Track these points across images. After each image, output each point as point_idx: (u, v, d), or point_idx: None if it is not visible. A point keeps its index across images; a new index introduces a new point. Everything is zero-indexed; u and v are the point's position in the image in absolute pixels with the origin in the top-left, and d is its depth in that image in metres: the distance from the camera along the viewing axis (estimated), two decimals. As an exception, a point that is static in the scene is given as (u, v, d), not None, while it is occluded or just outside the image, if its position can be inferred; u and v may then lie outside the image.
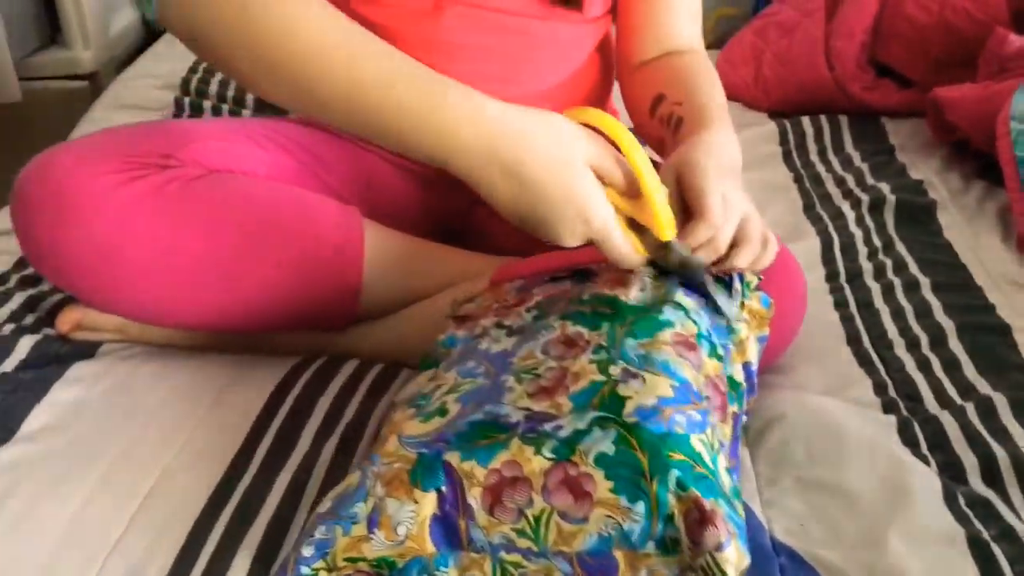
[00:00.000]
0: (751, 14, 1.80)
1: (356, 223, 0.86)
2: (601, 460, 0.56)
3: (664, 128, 0.87)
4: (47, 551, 0.66)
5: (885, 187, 1.19)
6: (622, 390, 0.60)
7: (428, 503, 0.57)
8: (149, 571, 0.64)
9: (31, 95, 1.60)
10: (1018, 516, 0.68)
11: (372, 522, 0.57)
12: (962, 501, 0.69)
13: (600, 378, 0.61)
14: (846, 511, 0.69)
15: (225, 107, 1.45)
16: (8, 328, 0.90)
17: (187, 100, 1.46)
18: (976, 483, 0.73)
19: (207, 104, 1.46)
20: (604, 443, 0.56)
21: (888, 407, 0.82)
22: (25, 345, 0.87)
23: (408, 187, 0.99)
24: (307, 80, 0.70)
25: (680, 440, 0.56)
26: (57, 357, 0.87)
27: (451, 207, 1.00)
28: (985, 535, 0.66)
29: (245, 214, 0.82)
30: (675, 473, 0.54)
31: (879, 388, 0.85)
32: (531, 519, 0.56)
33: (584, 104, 0.85)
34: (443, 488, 0.57)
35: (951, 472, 0.74)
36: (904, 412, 0.81)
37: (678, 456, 0.55)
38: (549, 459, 0.56)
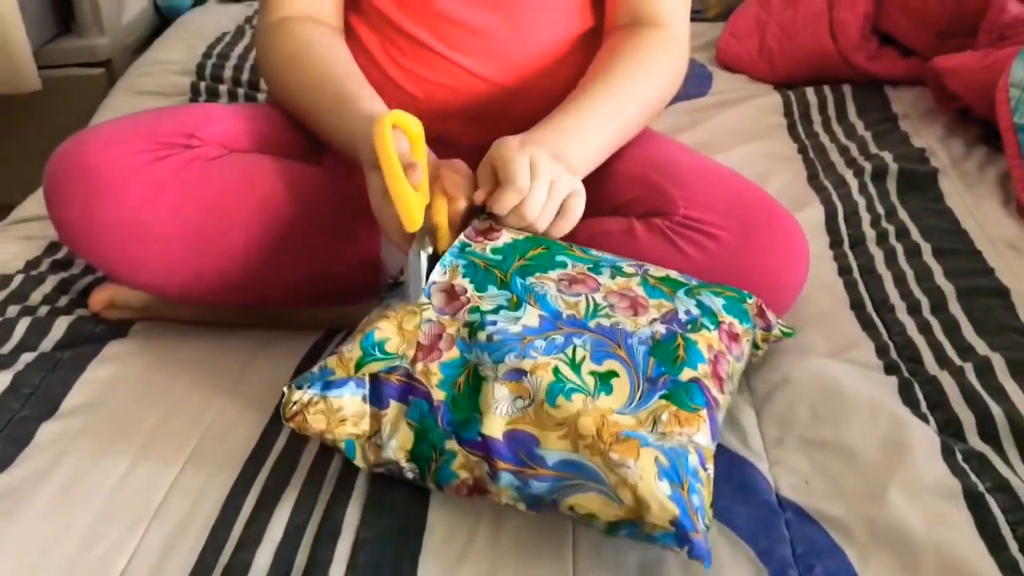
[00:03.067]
0: (755, -14, 1.81)
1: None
2: (727, 309, 0.76)
3: None
4: (92, 519, 0.70)
5: (888, 155, 1.21)
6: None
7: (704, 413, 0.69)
8: (189, 535, 0.68)
9: (48, 83, 1.62)
10: (1012, 470, 0.72)
11: (703, 461, 0.66)
12: (959, 456, 0.72)
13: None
14: (848, 468, 0.72)
15: (241, 91, 1.48)
16: (44, 310, 0.94)
17: (203, 85, 1.49)
18: (974, 440, 0.76)
19: (223, 88, 1.48)
20: (716, 300, 0.76)
21: (889, 368, 0.85)
22: (61, 326, 0.91)
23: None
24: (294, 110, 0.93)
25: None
26: (92, 336, 0.90)
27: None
28: (980, 487, 0.69)
29: (267, 191, 0.85)
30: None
31: (881, 351, 0.88)
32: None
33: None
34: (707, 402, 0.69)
35: (950, 430, 0.77)
36: (905, 373, 0.84)
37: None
38: (715, 329, 0.73)
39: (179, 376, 0.85)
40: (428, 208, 0.76)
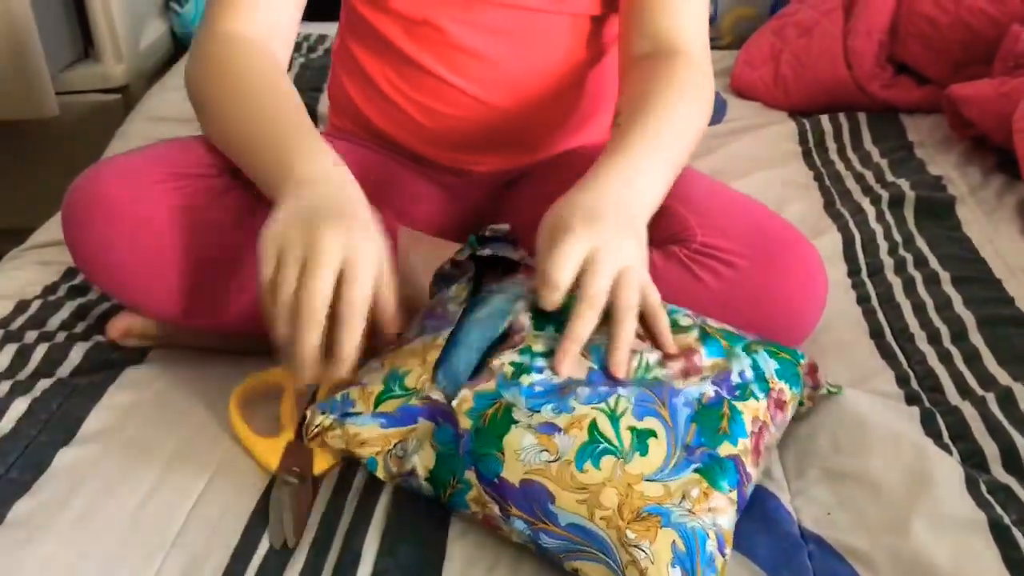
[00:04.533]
0: (768, 14, 1.82)
1: (391, 228, 0.89)
2: (779, 374, 0.73)
3: None
4: (110, 548, 0.69)
5: (904, 183, 1.21)
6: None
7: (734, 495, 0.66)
8: (207, 565, 0.68)
9: (66, 109, 1.64)
10: (1039, 502, 0.71)
11: (721, 546, 0.63)
12: (984, 488, 0.71)
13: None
14: (871, 499, 0.72)
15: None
16: (61, 336, 0.94)
17: (219, 111, 1.50)
18: (998, 471, 0.75)
19: (238, 115, 1.49)
20: (771, 361, 0.74)
21: (910, 398, 0.84)
22: (78, 352, 0.91)
23: (431, 192, 1.02)
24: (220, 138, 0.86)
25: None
26: (109, 362, 0.90)
27: (473, 209, 1.03)
28: (1006, 520, 0.68)
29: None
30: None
31: (901, 380, 0.87)
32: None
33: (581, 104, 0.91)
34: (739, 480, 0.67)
35: (973, 461, 0.76)
36: (926, 403, 0.83)
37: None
38: (764, 398, 0.71)
39: (197, 403, 0.85)
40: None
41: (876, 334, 0.94)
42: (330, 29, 1.87)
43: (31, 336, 0.93)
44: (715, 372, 0.70)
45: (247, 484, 0.75)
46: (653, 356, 0.71)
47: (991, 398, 0.82)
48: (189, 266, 0.83)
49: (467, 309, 0.75)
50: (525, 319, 0.72)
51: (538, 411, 0.66)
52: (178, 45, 1.96)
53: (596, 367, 0.69)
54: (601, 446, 0.64)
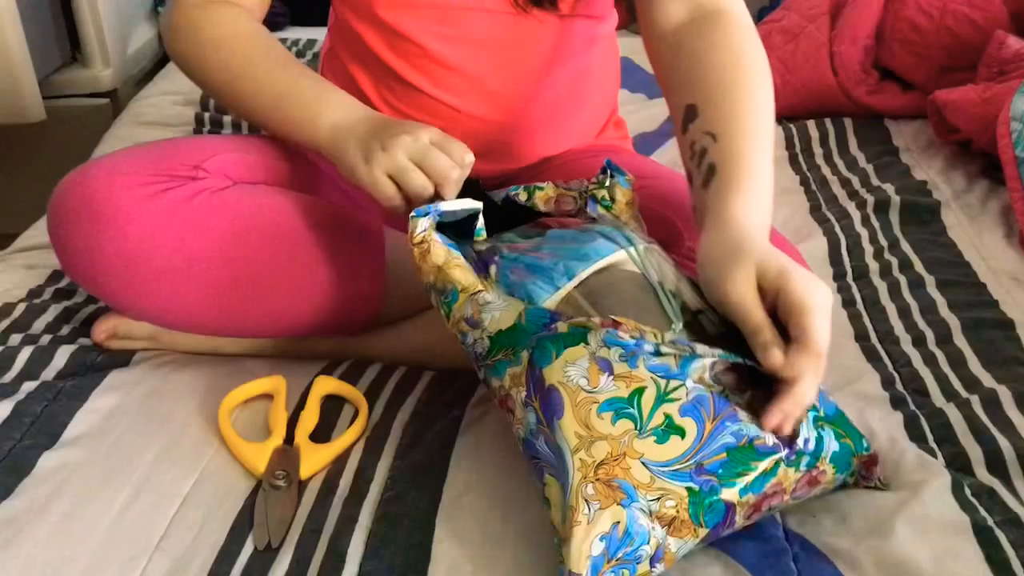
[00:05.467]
0: (756, 20, 1.82)
1: (378, 230, 0.89)
2: (833, 457, 0.69)
3: (695, 168, 0.77)
4: (92, 552, 0.69)
5: (890, 188, 1.22)
6: None
7: (703, 532, 0.64)
8: (190, 570, 0.67)
9: (53, 113, 1.63)
10: (1022, 503, 0.71)
11: (655, 559, 0.63)
12: (968, 491, 0.72)
13: None
14: (856, 502, 0.72)
15: (244, 122, 1.48)
16: (46, 339, 0.93)
17: (207, 115, 1.50)
18: (982, 473, 0.75)
19: (227, 119, 1.49)
20: (833, 443, 0.68)
21: (896, 401, 0.85)
22: (63, 355, 0.90)
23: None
24: (232, 97, 0.90)
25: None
26: (94, 366, 0.90)
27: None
28: (990, 521, 0.68)
29: (271, 223, 0.85)
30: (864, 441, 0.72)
31: (886, 382, 0.87)
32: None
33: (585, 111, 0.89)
34: (720, 523, 0.65)
35: (957, 463, 0.76)
36: (911, 406, 0.84)
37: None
38: (803, 471, 0.67)
39: (182, 406, 0.84)
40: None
41: (861, 337, 0.95)
42: (319, 34, 1.87)
43: (15, 339, 0.93)
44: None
45: (232, 488, 0.75)
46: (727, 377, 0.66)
47: (976, 400, 0.82)
48: (176, 269, 0.82)
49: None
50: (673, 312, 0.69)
51: (609, 348, 0.65)
52: (166, 50, 1.96)
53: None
54: (630, 410, 0.63)
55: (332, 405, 0.85)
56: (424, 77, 0.94)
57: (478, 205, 0.77)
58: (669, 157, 1.35)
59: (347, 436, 0.80)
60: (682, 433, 0.63)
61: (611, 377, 0.64)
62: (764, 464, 0.65)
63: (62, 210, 0.82)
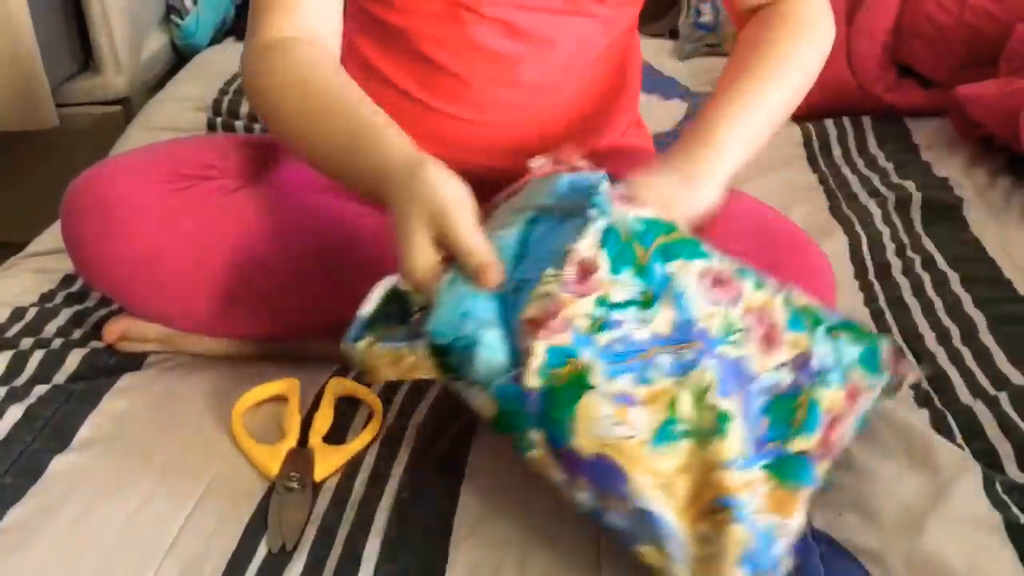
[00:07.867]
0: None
1: (387, 233, 0.88)
2: (860, 359, 0.67)
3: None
4: (102, 556, 0.68)
5: (911, 185, 1.20)
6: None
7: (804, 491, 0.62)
8: (203, 574, 0.66)
9: (66, 120, 1.63)
10: (1055, 501, 0.69)
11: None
12: (999, 488, 0.70)
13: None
14: (884, 500, 0.70)
15: (256, 126, 1.48)
16: (57, 342, 0.93)
17: (219, 120, 1.50)
18: (1012, 470, 0.73)
19: (239, 124, 1.49)
20: (852, 348, 0.67)
21: (922, 398, 0.83)
22: (75, 358, 0.90)
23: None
24: (300, 150, 0.79)
25: None
26: (106, 369, 0.89)
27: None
28: (1022, 519, 0.66)
29: (284, 224, 0.84)
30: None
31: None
32: None
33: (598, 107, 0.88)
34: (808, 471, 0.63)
35: (987, 460, 0.74)
36: (938, 404, 0.82)
37: None
38: (841, 387, 0.65)
39: (193, 409, 0.83)
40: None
41: (885, 335, 0.93)
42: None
43: (27, 343, 0.92)
44: (794, 356, 0.65)
45: (244, 491, 0.74)
46: (736, 311, 0.64)
47: (1004, 397, 0.80)
48: (187, 270, 0.82)
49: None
50: (601, 257, 0.63)
51: (617, 378, 0.59)
52: (178, 57, 1.96)
53: (681, 320, 0.62)
54: (680, 427, 0.59)
55: (346, 407, 0.84)
56: (413, 81, 0.89)
57: (386, 286, 0.68)
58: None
59: (362, 438, 0.79)
60: (732, 416, 0.60)
61: (640, 407, 0.59)
62: (801, 401, 0.63)
63: (74, 211, 0.82)
